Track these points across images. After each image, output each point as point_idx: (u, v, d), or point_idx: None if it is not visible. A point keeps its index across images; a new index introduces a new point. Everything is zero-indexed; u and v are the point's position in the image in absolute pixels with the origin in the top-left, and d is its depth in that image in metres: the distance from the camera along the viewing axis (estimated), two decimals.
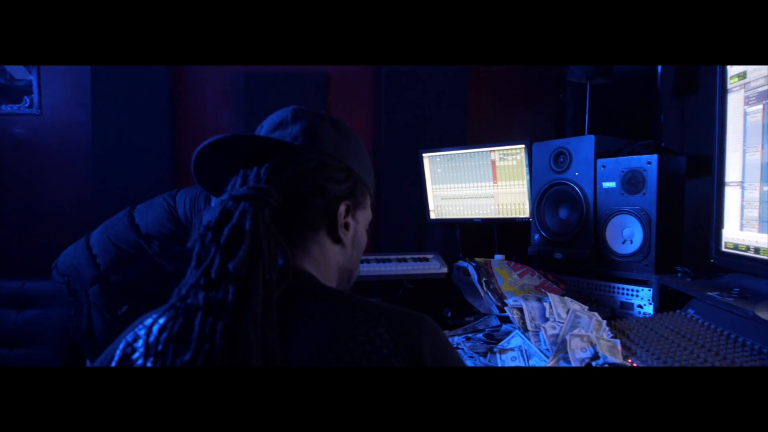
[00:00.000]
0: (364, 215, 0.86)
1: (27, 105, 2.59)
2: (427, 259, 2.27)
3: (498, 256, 2.00)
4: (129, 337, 0.67)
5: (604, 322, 1.31)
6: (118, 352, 0.66)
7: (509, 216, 2.19)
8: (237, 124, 2.55)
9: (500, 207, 2.21)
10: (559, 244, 1.94)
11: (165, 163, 2.47)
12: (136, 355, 0.64)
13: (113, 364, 0.65)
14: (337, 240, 0.79)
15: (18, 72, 2.59)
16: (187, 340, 0.58)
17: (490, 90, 2.59)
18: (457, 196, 2.32)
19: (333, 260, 0.81)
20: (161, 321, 0.61)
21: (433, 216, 2.40)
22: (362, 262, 2.21)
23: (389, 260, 2.24)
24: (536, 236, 2.04)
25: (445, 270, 2.15)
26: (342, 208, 0.79)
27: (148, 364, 0.60)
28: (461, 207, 2.32)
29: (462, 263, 1.65)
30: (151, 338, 0.60)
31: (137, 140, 2.45)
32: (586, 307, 1.40)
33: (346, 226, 0.81)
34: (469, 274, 1.62)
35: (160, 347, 0.59)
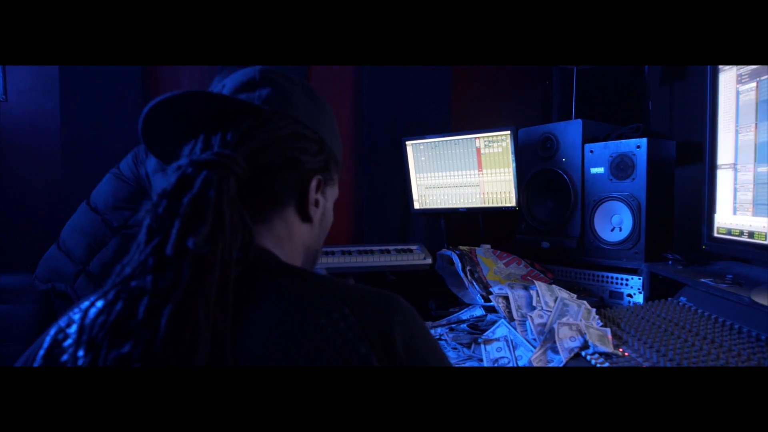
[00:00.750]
0: (333, 192, 0.79)
1: None
2: (410, 251, 2.20)
3: (484, 246, 1.93)
4: (62, 322, 0.59)
5: (593, 310, 1.25)
6: (48, 338, 0.58)
7: (495, 205, 2.12)
8: None
9: (486, 196, 2.15)
10: (546, 232, 1.88)
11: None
12: (68, 342, 0.56)
13: (42, 352, 0.57)
14: (307, 218, 0.72)
15: None
16: (126, 327, 0.50)
17: (475, 76, 2.52)
18: (442, 185, 2.25)
19: (299, 239, 0.73)
20: (99, 304, 0.53)
21: (417, 206, 2.33)
22: (345, 254, 2.13)
23: (372, 252, 2.17)
24: (523, 225, 1.98)
25: (429, 261, 2.08)
26: (313, 183, 0.72)
27: (80, 353, 0.52)
28: (446, 196, 2.25)
29: (446, 252, 1.59)
30: (86, 323, 0.52)
31: (108, 128, 2.34)
32: (575, 296, 1.34)
33: (316, 203, 0.73)
34: (453, 263, 1.55)
35: (95, 334, 0.51)
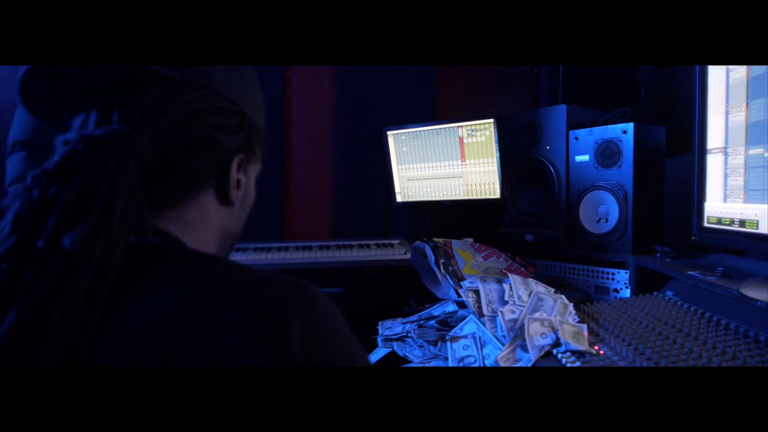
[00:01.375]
0: (256, 169, 0.71)
1: None
2: (391, 245, 2.11)
3: (466, 239, 1.84)
4: None
5: (571, 305, 1.15)
6: None
7: (479, 197, 2.03)
8: None
9: (469, 187, 2.05)
10: (530, 225, 1.79)
11: None
12: None
13: None
14: (227, 201, 0.64)
15: None
16: None
17: (464, 70, 2.42)
18: (424, 176, 2.15)
19: (215, 224, 0.65)
20: None
21: (399, 199, 2.24)
22: (323, 248, 2.04)
23: (351, 246, 2.08)
24: (507, 217, 1.88)
25: (409, 256, 1.99)
26: (234, 164, 0.64)
27: None
28: (429, 188, 2.15)
29: (419, 244, 1.49)
30: None
31: None
32: (552, 290, 1.24)
33: (238, 185, 0.65)
34: (426, 256, 1.46)
35: None
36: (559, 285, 1.62)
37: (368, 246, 2.09)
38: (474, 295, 1.20)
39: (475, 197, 2.04)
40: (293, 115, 2.39)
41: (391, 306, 1.65)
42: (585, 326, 1.05)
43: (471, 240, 1.83)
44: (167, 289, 0.49)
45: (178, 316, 0.46)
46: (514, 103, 2.38)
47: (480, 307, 1.17)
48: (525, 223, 1.80)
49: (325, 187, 2.41)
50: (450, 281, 1.39)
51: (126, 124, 0.52)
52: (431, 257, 1.44)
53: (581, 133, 1.62)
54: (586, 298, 1.51)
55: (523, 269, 1.54)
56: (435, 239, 1.53)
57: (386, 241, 2.16)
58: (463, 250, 1.54)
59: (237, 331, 0.46)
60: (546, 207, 1.72)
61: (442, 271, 1.41)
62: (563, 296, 1.20)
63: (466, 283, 1.25)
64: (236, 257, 1.96)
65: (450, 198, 2.11)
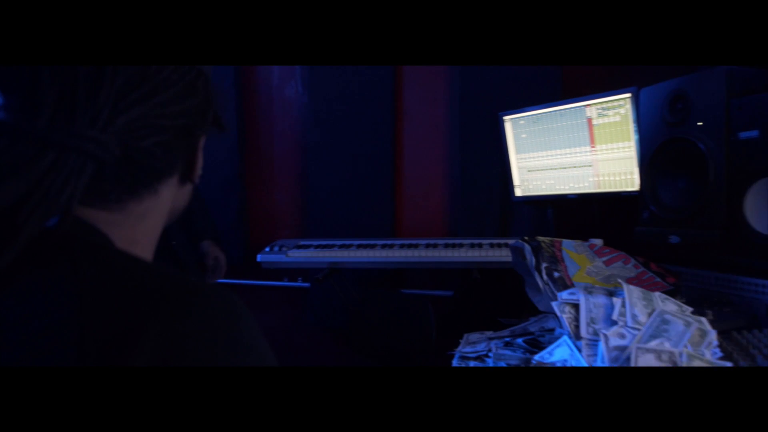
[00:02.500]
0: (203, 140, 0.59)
1: None
2: (506, 246, 1.86)
3: (594, 241, 1.52)
4: None
5: (713, 333, 0.84)
6: None
7: (612, 190, 1.69)
8: (302, 97, 2.35)
9: (601, 178, 1.72)
10: (676, 223, 1.41)
11: (233, 138, 2.37)
12: None
13: None
14: (190, 181, 0.57)
15: None
16: None
17: None
18: (547, 166, 1.86)
19: (167, 207, 0.55)
20: None
21: (518, 193, 1.97)
22: (429, 247, 1.87)
23: (461, 246, 1.87)
24: (645, 214, 1.52)
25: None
26: (201, 144, 0.55)
27: None
28: (552, 180, 1.86)
29: (517, 243, 1.24)
30: None
31: None
32: (689, 309, 0.92)
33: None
34: (525, 257, 1.21)
35: None
36: (713, 302, 1.25)
37: (480, 246, 1.86)
38: (572, 311, 0.94)
39: (607, 190, 1.70)
40: (405, 103, 2.25)
41: (499, 314, 1.42)
42: (729, 364, 0.74)
43: (600, 241, 1.51)
44: (18, 290, 0.38)
45: (8, 318, 0.35)
46: (661, 70, 1.95)
47: (578, 326, 0.90)
48: (669, 220, 1.43)
49: (438, 181, 2.23)
50: (553, 289, 1.13)
51: (90, 123, 0.42)
52: (531, 260, 1.19)
53: (749, 101, 1.22)
54: (749, 324, 1.13)
55: (658, 279, 1.21)
56: (540, 238, 1.26)
57: (501, 241, 1.91)
58: (577, 253, 1.26)
59: (60, 340, 0.36)
60: (698, 200, 1.34)
61: (544, 277, 1.15)
62: (704, 319, 0.88)
63: (564, 294, 0.99)
64: (340, 254, 1.88)
65: (577, 191, 1.79)
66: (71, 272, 0.39)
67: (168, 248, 1.52)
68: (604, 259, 1.27)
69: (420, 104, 2.23)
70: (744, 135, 1.24)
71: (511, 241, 1.89)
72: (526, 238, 1.25)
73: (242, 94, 2.38)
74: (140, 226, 0.51)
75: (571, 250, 1.25)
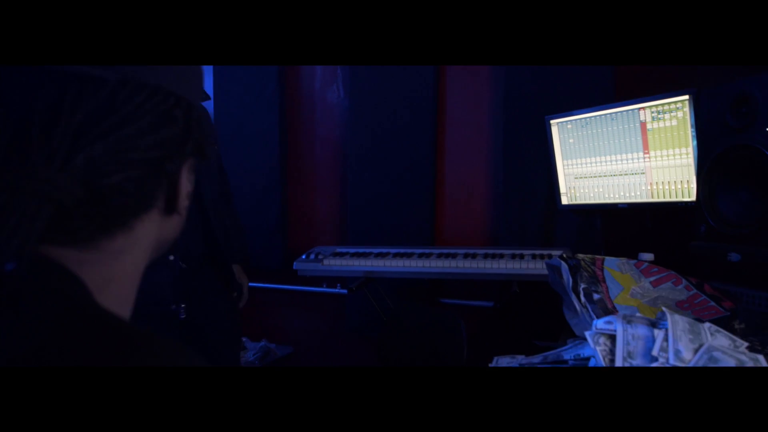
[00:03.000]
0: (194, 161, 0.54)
1: None
2: (549, 257, 1.76)
3: (644, 256, 1.41)
4: None
5: None
6: None
7: (667, 199, 1.56)
8: (344, 101, 2.33)
9: (654, 187, 1.59)
10: (737, 238, 1.28)
11: (273, 142, 2.38)
12: None
13: None
14: (174, 212, 0.51)
15: None
16: None
17: None
18: (595, 173, 1.74)
19: (151, 241, 0.51)
20: None
21: (564, 201, 1.86)
22: (467, 257, 1.80)
23: (501, 256, 1.79)
24: (702, 227, 1.39)
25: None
26: (185, 173, 0.50)
27: None
28: (601, 188, 1.74)
29: (554, 261, 1.16)
30: None
31: (250, 119, 2.40)
32: (744, 344, 0.82)
33: (185, 192, 0.51)
34: (562, 276, 1.12)
35: None
36: None
37: (521, 256, 1.77)
38: (608, 343, 0.85)
39: (661, 200, 1.57)
40: (447, 107, 2.18)
41: (536, 333, 1.34)
42: None
43: (651, 256, 1.39)
44: None
45: None
46: (723, 71, 1.78)
47: (612, 361, 0.82)
48: (729, 236, 1.30)
49: (480, 186, 2.15)
50: (591, 313, 1.04)
51: (46, 162, 0.39)
52: (568, 280, 1.10)
53: None
54: None
55: (712, 303, 1.09)
56: (580, 255, 1.17)
57: (544, 252, 1.81)
58: (620, 272, 1.15)
59: None
60: (763, 214, 1.21)
61: (582, 299, 1.06)
62: (761, 358, 0.78)
63: (599, 323, 0.90)
64: (376, 263, 1.83)
65: (628, 201, 1.66)
66: (22, 320, 0.37)
67: (166, 263, 1.48)
68: (652, 279, 1.16)
69: (462, 107, 2.15)
70: None
71: (554, 252, 1.79)
72: (564, 255, 1.16)
73: (284, 99, 2.38)
74: (117, 264, 0.47)
75: (614, 269, 1.15)
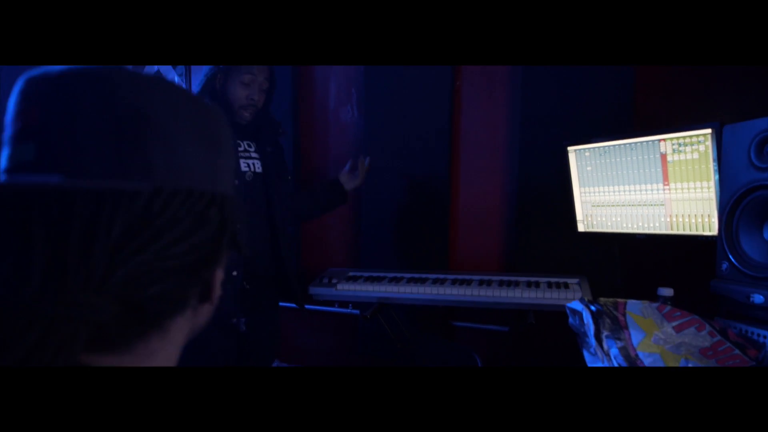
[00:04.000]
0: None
1: None
2: (566, 285, 1.74)
3: (664, 291, 1.39)
4: None
5: None
6: None
7: (686, 232, 1.54)
8: (358, 121, 2.32)
9: (674, 219, 1.57)
10: (761, 280, 1.26)
11: (289, 159, 2.36)
12: None
13: None
14: (208, 302, 0.50)
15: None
16: None
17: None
18: (613, 202, 1.73)
19: (185, 333, 0.50)
20: None
21: (581, 228, 1.84)
22: (482, 284, 1.78)
23: (516, 284, 1.77)
24: (724, 265, 1.37)
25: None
26: (218, 275, 0.49)
27: None
28: (619, 217, 1.72)
29: (576, 305, 1.14)
30: None
31: None
32: None
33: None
34: (584, 323, 1.11)
35: None
36: None
37: (537, 285, 1.76)
38: None
39: (680, 232, 1.55)
40: (462, 130, 2.16)
41: (552, 366, 1.32)
42: None
43: (670, 291, 1.37)
44: None
45: None
46: (746, 106, 1.76)
47: None
48: (752, 277, 1.28)
49: (495, 210, 2.13)
50: (614, 362, 1.03)
51: (84, 285, 0.37)
52: (590, 327, 1.08)
53: None
54: None
55: (737, 352, 1.07)
56: (602, 299, 1.16)
57: (561, 280, 1.79)
58: (643, 317, 1.14)
59: None
60: None
61: (605, 347, 1.05)
62: None
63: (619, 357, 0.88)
64: (389, 288, 1.82)
65: (646, 231, 1.64)
66: None
67: (229, 278, 1.52)
68: (675, 324, 1.14)
69: (478, 131, 2.14)
70: None
71: (570, 281, 1.78)
72: (586, 299, 1.15)
73: (299, 118, 2.38)
74: (150, 362, 0.47)
75: (637, 313, 1.14)
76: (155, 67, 2.78)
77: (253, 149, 1.64)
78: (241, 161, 1.60)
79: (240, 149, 1.60)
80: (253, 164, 1.62)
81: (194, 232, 0.43)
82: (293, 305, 1.75)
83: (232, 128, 1.47)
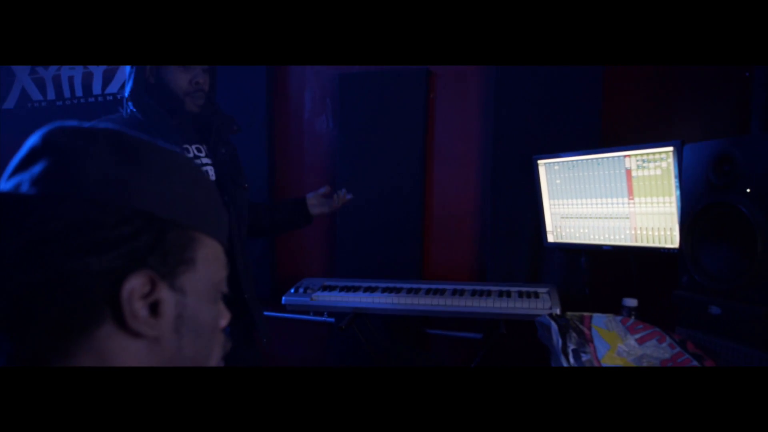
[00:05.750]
0: (199, 277, 0.51)
1: None
2: (536, 295, 1.79)
3: (629, 302, 1.45)
4: None
5: None
6: None
7: (650, 245, 1.60)
8: (333, 131, 2.34)
9: (638, 232, 1.63)
10: (718, 293, 1.32)
11: (263, 171, 2.37)
12: None
13: None
14: (135, 333, 0.47)
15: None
16: None
17: (639, 72, 1.94)
18: (581, 215, 1.78)
19: (134, 355, 0.48)
20: None
21: (551, 239, 1.90)
22: (455, 293, 1.82)
23: (488, 293, 1.82)
24: (685, 278, 1.43)
25: (557, 311, 1.66)
26: (131, 285, 0.45)
27: None
28: (586, 229, 1.78)
29: (544, 319, 1.18)
30: None
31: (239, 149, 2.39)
32: None
33: (154, 309, 0.47)
34: (552, 337, 1.15)
35: None
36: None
37: (509, 294, 1.80)
38: None
39: (644, 244, 1.62)
40: (436, 142, 2.20)
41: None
42: None
43: (635, 302, 1.43)
44: None
45: None
46: (712, 126, 1.84)
47: None
48: (711, 289, 1.34)
49: (468, 220, 2.18)
50: None
51: None
52: (557, 341, 1.13)
53: None
54: None
55: (695, 362, 1.13)
56: (568, 314, 1.20)
57: (531, 289, 1.84)
58: (608, 330, 1.19)
59: None
60: (743, 271, 1.25)
61: (571, 360, 1.09)
62: None
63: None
64: (364, 299, 1.85)
65: (613, 243, 1.71)
66: None
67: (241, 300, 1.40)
68: (638, 336, 1.19)
69: (452, 142, 2.18)
70: None
71: (540, 290, 1.83)
72: (554, 314, 1.19)
73: (273, 128, 2.38)
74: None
75: (602, 327, 1.19)
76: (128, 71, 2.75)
77: (203, 154, 1.41)
78: None
79: (189, 155, 1.35)
80: (206, 171, 1.37)
81: (69, 238, 0.43)
82: (270, 314, 1.74)
83: (178, 129, 1.33)
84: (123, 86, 2.74)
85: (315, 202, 1.65)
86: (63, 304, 0.44)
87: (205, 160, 1.41)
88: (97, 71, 2.81)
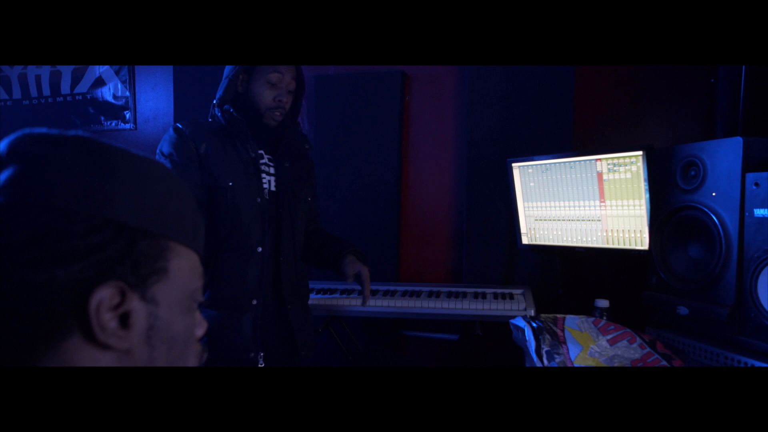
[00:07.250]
0: (172, 287, 0.51)
1: (126, 120, 2.68)
2: (511, 296, 1.82)
3: (601, 302, 1.48)
4: None
5: None
6: None
7: (621, 246, 1.64)
8: (309, 133, 2.33)
9: (610, 234, 1.67)
10: (686, 293, 1.37)
11: None
12: None
13: None
14: (104, 346, 0.46)
15: (119, 90, 2.69)
16: None
17: (610, 78, 1.99)
18: (554, 217, 1.81)
19: (99, 360, 0.47)
20: None
21: (525, 240, 1.92)
22: (431, 295, 1.83)
23: (464, 295, 1.83)
24: (654, 278, 1.47)
25: (531, 312, 1.69)
26: (99, 296, 0.44)
27: None
28: (559, 231, 1.81)
29: (519, 321, 1.20)
30: None
31: None
32: None
33: (124, 321, 0.46)
34: (526, 339, 1.17)
35: None
36: None
37: (484, 296, 1.82)
38: None
39: (616, 246, 1.65)
40: (412, 144, 2.21)
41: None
42: None
43: (606, 302, 1.46)
44: None
45: None
46: (680, 132, 1.89)
47: None
48: (679, 290, 1.38)
49: (443, 222, 2.20)
50: None
51: None
52: (531, 343, 1.14)
53: (765, 177, 1.17)
54: None
55: (664, 362, 1.16)
56: (542, 316, 1.22)
57: (506, 291, 1.87)
58: (580, 331, 1.21)
59: None
60: (708, 272, 1.30)
61: (545, 361, 1.11)
62: None
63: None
64: (341, 302, 1.84)
65: (585, 245, 1.74)
66: None
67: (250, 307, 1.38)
68: (609, 337, 1.22)
69: (427, 144, 2.20)
70: (759, 213, 1.18)
71: (515, 291, 1.85)
72: (528, 316, 1.21)
73: None
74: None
75: (574, 328, 1.21)
76: (97, 71, 2.70)
77: (273, 164, 1.47)
78: (263, 176, 1.42)
79: (262, 161, 1.43)
80: (270, 181, 1.44)
81: (30, 247, 0.43)
82: None
83: (254, 138, 1.40)
84: (96, 84, 2.69)
85: (350, 267, 1.56)
86: (27, 315, 0.43)
87: (272, 171, 1.47)
88: (66, 70, 2.75)
